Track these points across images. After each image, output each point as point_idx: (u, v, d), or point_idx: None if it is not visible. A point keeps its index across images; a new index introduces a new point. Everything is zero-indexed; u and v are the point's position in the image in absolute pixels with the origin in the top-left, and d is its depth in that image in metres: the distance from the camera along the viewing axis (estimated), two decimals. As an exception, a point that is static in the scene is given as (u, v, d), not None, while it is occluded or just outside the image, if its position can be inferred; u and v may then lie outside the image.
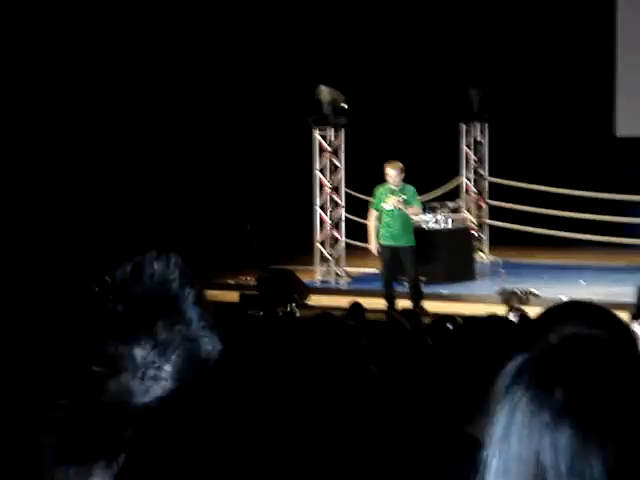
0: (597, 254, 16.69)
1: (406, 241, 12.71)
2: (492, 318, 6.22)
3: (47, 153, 16.62)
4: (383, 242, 12.71)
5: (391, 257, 12.65)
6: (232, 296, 13.20)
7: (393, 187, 12.61)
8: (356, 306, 9.26)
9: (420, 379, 4.82)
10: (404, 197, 12.59)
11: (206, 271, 13.42)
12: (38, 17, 16.79)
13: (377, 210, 12.77)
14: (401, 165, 12.65)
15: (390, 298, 12.57)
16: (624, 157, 17.92)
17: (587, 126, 18.02)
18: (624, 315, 10.27)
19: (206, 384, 1.32)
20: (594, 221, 16.75)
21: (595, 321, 1.53)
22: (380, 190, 12.77)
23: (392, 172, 12.58)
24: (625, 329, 1.59)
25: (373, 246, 12.80)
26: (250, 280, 14.58)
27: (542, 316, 1.60)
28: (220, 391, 1.29)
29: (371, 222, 12.89)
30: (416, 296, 12.68)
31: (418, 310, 11.92)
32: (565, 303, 1.65)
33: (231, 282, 14.93)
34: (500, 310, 9.15)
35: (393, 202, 12.53)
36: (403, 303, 12.45)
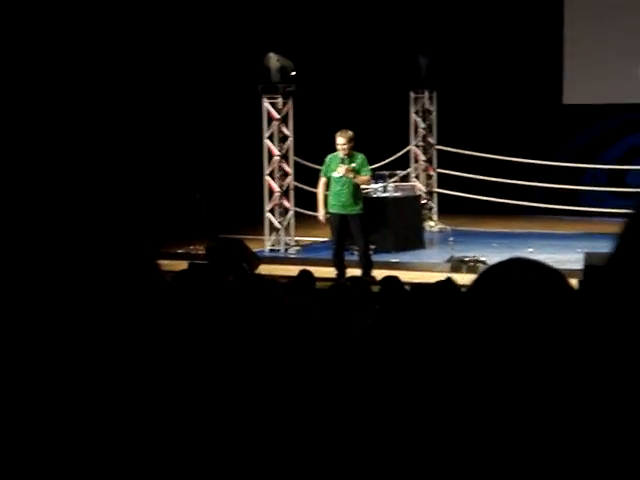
0: (545, 222, 16.82)
1: (355, 209, 12.74)
2: (438, 283, 6.22)
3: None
4: (332, 210, 12.72)
5: (340, 225, 12.67)
6: (181, 265, 13.10)
7: (343, 156, 12.63)
8: (305, 274, 9.21)
9: (370, 346, 4.80)
10: (354, 165, 12.62)
11: (156, 240, 13.32)
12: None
13: (327, 178, 12.78)
14: (351, 134, 12.66)
15: (340, 267, 12.60)
16: (571, 125, 18.03)
17: (535, 94, 18.09)
18: (573, 282, 10.34)
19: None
20: (542, 189, 16.88)
21: (540, 277, 1.50)
22: (330, 158, 12.78)
23: (342, 140, 12.60)
24: (568, 287, 1.56)
25: (321, 214, 12.81)
26: (199, 249, 14.51)
27: (486, 272, 1.56)
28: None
29: (320, 190, 12.90)
30: (366, 264, 12.72)
31: (368, 279, 11.94)
32: (510, 260, 1.61)
33: (180, 251, 14.85)
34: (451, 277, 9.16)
35: (343, 171, 12.55)
36: (353, 272, 12.45)
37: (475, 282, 1.26)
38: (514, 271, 1.29)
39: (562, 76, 17.90)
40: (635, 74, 17.24)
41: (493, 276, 1.36)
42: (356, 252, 13.19)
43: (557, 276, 1.49)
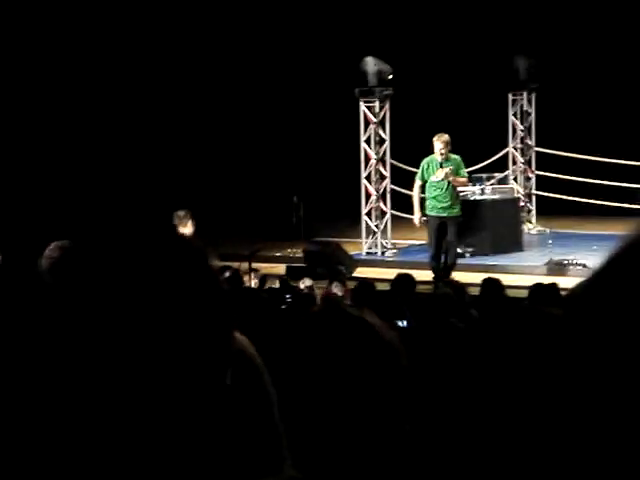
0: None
1: (454, 212, 12.76)
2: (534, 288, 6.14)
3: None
4: (432, 213, 12.72)
5: (439, 228, 12.67)
6: (279, 268, 13.23)
7: (440, 159, 12.64)
8: (404, 277, 9.20)
9: (467, 354, 4.80)
10: (451, 168, 12.62)
11: (253, 243, 13.46)
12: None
13: (423, 181, 12.78)
14: (447, 137, 12.67)
15: (438, 270, 12.59)
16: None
17: (636, 95, 17.79)
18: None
19: None
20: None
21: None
22: (427, 162, 12.79)
23: (439, 145, 12.61)
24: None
25: (417, 217, 12.82)
26: (297, 252, 14.60)
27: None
28: None
29: (416, 193, 12.91)
30: (451, 267, 12.70)
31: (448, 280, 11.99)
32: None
33: (278, 254, 14.96)
34: (547, 281, 9.09)
35: (442, 174, 12.57)
36: (456, 275, 12.46)
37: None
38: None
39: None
40: None
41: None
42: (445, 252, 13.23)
43: None
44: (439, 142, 12.66)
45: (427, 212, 12.76)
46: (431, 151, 12.90)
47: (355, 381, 1.69)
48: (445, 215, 12.68)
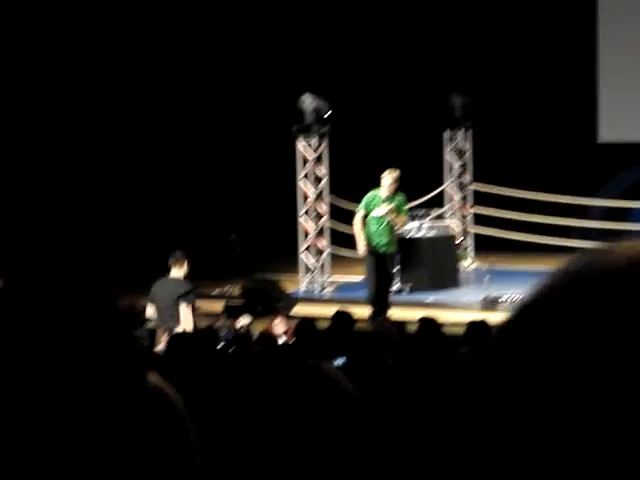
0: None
1: (392, 249, 12.80)
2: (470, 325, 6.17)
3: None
4: (369, 249, 12.71)
5: (377, 264, 12.67)
6: (217, 306, 13.14)
7: (386, 195, 12.66)
8: (342, 315, 9.18)
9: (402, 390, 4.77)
10: (394, 205, 12.64)
11: (190, 281, 13.36)
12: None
13: (366, 212, 12.71)
14: (397, 174, 12.71)
15: (376, 305, 12.60)
16: (607, 163, 17.94)
17: (570, 133, 18.03)
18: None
19: None
20: (578, 227, 16.78)
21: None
22: (372, 196, 12.78)
23: (389, 180, 12.63)
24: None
25: (361, 245, 12.74)
26: (235, 290, 14.52)
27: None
28: None
29: (358, 222, 12.82)
30: (388, 305, 12.72)
31: (382, 318, 12.09)
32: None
33: (216, 292, 14.86)
34: (485, 317, 9.12)
35: (384, 210, 12.58)
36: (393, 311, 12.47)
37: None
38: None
39: (596, 114, 17.84)
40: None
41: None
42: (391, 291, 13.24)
43: None
44: (389, 177, 12.68)
45: (366, 248, 12.77)
46: (369, 188, 12.92)
47: (314, 436, 1.64)
48: (382, 252, 12.70)
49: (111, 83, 17.65)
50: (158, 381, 1.41)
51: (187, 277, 11.43)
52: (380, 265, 12.68)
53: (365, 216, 12.76)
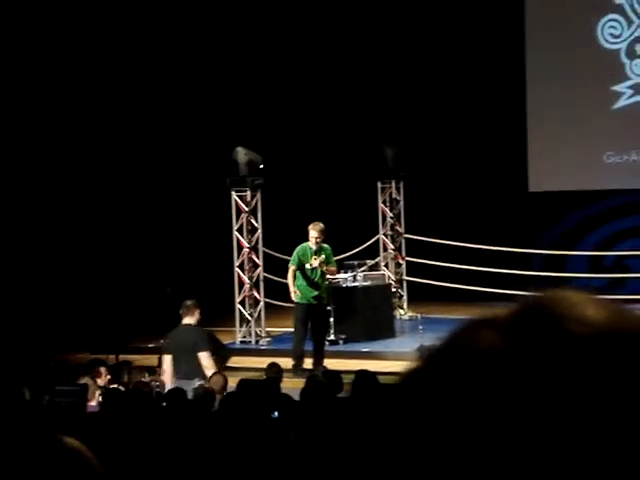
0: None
1: (324, 300, 12.98)
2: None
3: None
4: (302, 301, 12.85)
5: (307, 316, 12.88)
6: (152, 360, 13.09)
7: (314, 247, 12.88)
8: (276, 366, 9.20)
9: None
10: (323, 257, 12.87)
11: (126, 335, 13.31)
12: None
13: (297, 266, 12.95)
14: (322, 226, 12.97)
15: (301, 357, 12.79)
16: (538, 212, 18.24)
17: (501, 182, 18.31)
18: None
19: None
20: (510, 274, 17.02)
21: None
22: (302, 249, 12.99)
23: (315, 233, 12.88)
24: None
25: (293, 294, 12.97)
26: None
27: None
28: None
29: (291, 275, 13.04)
30: (323, 355, 12.89)
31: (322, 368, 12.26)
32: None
33: (151, 345, 14.79)
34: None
35: (317, 262, 12.81)
36: (331, 362, 12.54)
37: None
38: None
39: (526, 164, 18.16)
40: (599, 160, 17.56)
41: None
42: (327, 342, 13.35)
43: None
44: (314, 230, 12.90)
45: (297, 300, 12.92)
46: (304, 239, 13.09)
47: None
48: (316, 303, 12.87)
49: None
50: (76, 443, 1.45)
51: (199, 324, 11.67)
52: (315, 316, 12.84)
53: (297, 269, 12.97)
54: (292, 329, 15.42)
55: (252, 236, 15.34)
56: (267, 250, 15.72)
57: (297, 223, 13.63)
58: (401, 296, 17.31)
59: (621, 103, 17.58)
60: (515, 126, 18.05)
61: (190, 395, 8.35)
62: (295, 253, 13.06)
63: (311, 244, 12.93)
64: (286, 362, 12.01)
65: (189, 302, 11.70)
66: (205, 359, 10.98)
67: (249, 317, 15.28)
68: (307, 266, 12.87)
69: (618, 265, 17.55)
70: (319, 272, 12.88)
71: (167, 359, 11.20)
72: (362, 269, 15.68)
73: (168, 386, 10.32)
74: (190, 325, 11.47)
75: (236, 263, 15.32)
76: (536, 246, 17.51)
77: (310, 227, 12.99)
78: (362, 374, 8.54)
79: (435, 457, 0.80)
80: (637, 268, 17.21)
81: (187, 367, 10.87)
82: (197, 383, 9.52)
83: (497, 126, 18.21)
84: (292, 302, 13.30)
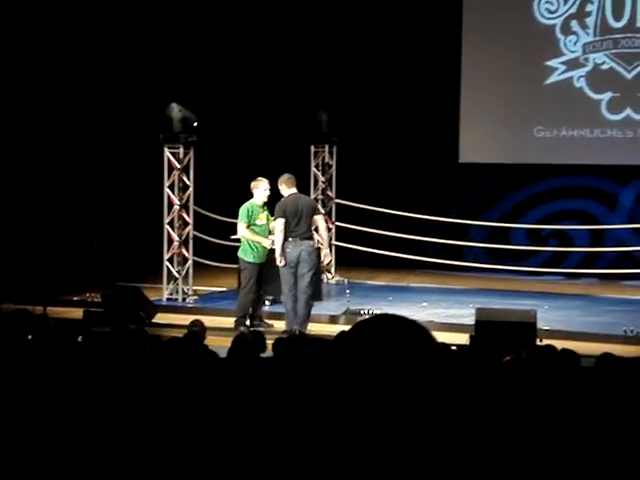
0: (439, 277, 17.13)
1: (268, 258, 13.18)
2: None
3: None
4: (255, 260, 13.00)
5: (259, 274, 13.04)
6: (76, 313, 13.04)
7: (262, 202, 12.99)
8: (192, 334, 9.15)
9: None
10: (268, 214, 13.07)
11: (50, 287, 13.24)
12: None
13: (248, 222, 12.98)
14: (267, 181, 13.10)
15: (247, 316, 12.98)
16: (466, 182, 18.44)
17: (432, 151, 18.47)
18: (465, 336, 10.59)
19: None
20: (434, 244, 17.23)
21: (404, 335, 1.62)
22: (251, 207, 13.00)
23: (265, 184, 12.99)
24: (435, 344, 1.70)
25: (268, 241, 12.93)
26: (95, 297, 14.42)
27: (354, 328, 1.70)
28: None
29: (247, 231, 13.01)
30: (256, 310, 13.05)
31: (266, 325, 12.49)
32: (377, 316, 1.75)
33: (76, 299, 14.74)
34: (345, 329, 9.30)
35: (265, 218, 13.00)
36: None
37: (341, 336, 1.40)
38: (381, 327, 1.43)
39: (458, 135, 18.32)
40: (528, 135, 17.78)
41: (360, 332, 1.49)
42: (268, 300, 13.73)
43: (422, 332, 1.63)
44: (265, 182, 12.95)
45: (248, 259, 13.00)
46: (237, 199, 13.17)
47: None
48: (264, 261, 13.07)
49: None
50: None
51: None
52: (260, 274, 13.07)
53: (247, 227, 13.00)
54: (219, 288, 15.52)
55: (183, 194, 15.30)
56: (198, 208, 15.70)
57: (230, 182, 13.63)
58: (329, 260, 17.40)
59: (554, 78, 17.79)
60: (449, 96, 18.18)
61: None
62: (243, 211, 13.00)
63: (257, 199, 12.95)
64: (211, 320, 12.05)
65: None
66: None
67: (177, 275, 15.26)
68: (258, 222, 12.94)
69: (535, 236, 17.83)
70: (268, 231, 13.02)
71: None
72: (291, 232, 15.74)
73: None
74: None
75: (166, 220, 15.28)
76: (462, 216, 17.72)
77: (258, 180, 13.01)
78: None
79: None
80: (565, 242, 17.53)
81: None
82: None
83: (431, 95, 18.33)
84: (222, 261, 13.33)
